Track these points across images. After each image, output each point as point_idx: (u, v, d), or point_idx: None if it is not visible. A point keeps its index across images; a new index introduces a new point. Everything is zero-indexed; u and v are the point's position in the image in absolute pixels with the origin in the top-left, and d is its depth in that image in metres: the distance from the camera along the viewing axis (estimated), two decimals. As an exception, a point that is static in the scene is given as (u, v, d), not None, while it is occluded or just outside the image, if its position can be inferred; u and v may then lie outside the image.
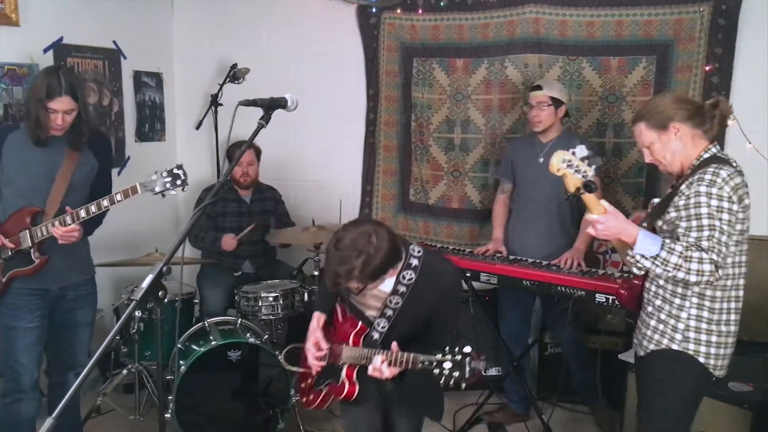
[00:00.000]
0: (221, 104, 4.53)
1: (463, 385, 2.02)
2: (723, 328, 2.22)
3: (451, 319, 2.46)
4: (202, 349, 3.23)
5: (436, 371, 2.02)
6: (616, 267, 3.92)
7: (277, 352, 3.35)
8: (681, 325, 2.22)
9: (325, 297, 2.57)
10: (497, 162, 4.25)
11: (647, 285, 2.34)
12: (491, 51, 4.17)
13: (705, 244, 2.06)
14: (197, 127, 4.69)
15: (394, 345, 2.18)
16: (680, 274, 2.06)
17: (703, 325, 2.20)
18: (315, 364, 2.44)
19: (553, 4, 3.98)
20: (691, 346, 2.21)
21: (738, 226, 2.14)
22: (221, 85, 4.47)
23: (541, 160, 3.56)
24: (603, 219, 2.11)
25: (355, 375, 2.35)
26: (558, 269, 3.27)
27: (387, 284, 2.31)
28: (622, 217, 2.14)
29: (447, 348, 2.03)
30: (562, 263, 3.31)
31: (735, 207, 2.10)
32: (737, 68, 3.71)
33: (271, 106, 2.09)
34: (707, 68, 3.71)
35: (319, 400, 2.51)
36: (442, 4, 4.21)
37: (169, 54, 4.84)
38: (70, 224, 2.66)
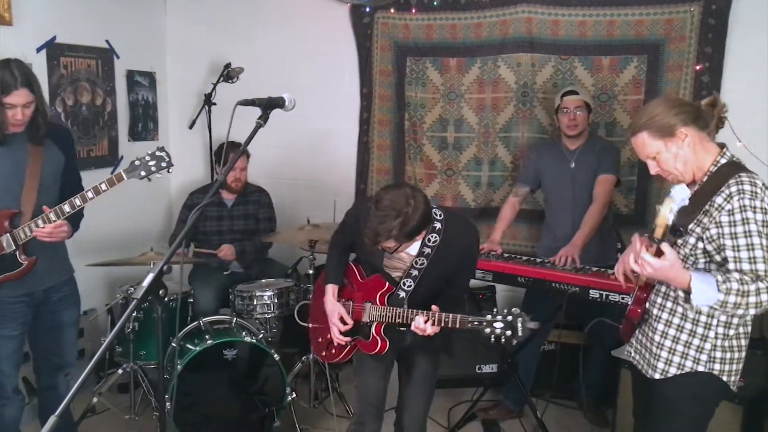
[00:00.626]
0: (215, 103, 4.53)
1: (514, 342, 2.16)
2: (743, 342, 2.13)
3: (470, 275, 2.60)
4: (198, 348, 3.23)
5: (487, 330, 2.14)
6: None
7: (272, 351, 3.36)
8: (708, 345, 2.09)
9: (335, 268, 2.64)
10: (491, 161, 4.28)
11: (657, 299, 2.21)
12: (484, 50, 4.20)
13: (761, 267, 1.93)
14: (191, 127, 4.68)
15: (434, 307, 2.29)
16: (740, 311, 1.95)
17: (727, 343, 2.10)
18: (340, 338, 2.55)
19: (546, 3, 4.01)
20: (717, 366, 2.10)
21: None
22: (215, 85, 4.47)
23: (573, 165, 3.59)
24: (658, 266, 1.95)
25: (383, 331, 2.48)
26: (552, 266, 3.30)
27: (414, 247, 2.42)
28: (678, 264, 1.98)
29: (494, 310, 2.19)
30: (558, 260, 3.34)
31: None
32: (727, 67, 3.76)
33: (269, 105, 2.09)
34: (698, 67, 3.75)
35: (342, 354, 2.62)
36: (435, 3, 4.23)
37: (162, 53, 4.83)
38: (54, 221, 2.60)
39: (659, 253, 1.97)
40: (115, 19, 4.31)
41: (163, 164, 2.67)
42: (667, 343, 2.14)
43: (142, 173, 2.66)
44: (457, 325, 2.23)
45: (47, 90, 3.79)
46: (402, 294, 2.45)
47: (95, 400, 3.50)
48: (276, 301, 3.70)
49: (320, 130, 4.56)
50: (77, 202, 2.64)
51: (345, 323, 2.54)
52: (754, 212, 1.93)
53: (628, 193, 4.09)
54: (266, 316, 3.69)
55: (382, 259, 2.50)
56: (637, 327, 2.29)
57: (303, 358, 3.82)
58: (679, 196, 1.94)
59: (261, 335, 3.53)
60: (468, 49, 4.24)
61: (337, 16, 4.43)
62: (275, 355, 3.35)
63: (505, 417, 3.78)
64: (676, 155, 2.07)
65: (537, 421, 3.46)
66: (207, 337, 3.33)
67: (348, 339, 2.56)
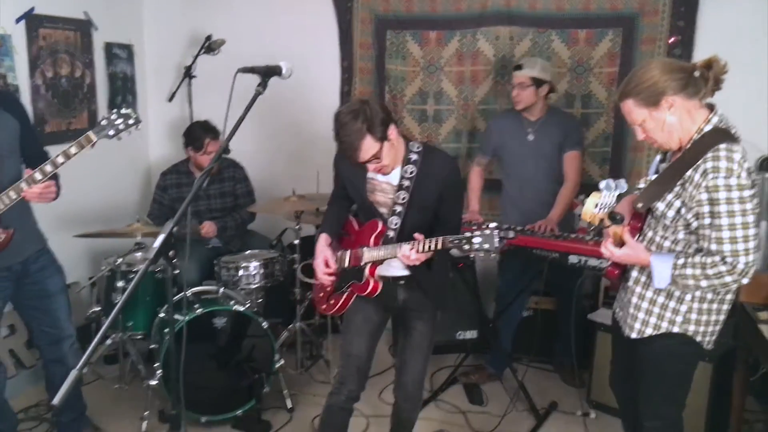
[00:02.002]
0: (195, 76, 4.52)
1: (493, 256, 2.21)
2: (725, 307, 2.18)
3: (457, 204, 2.58)
4: (188, 317, 3.28)
5: (466, 247, 2.20)
6: (583, 232, 4.09)
7: (261, 319, 3.43)
8: (683, 308, 2.16)
9: (330, 221, 2.73)
10: (470, 133, 4.36)
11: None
12: (463, 23, 4.26)
13: (726, 248, 1.96)
14: (170, 99, 4.67)
15: (418, 234, 2.35)
16: (698, 293, 2.12)
17: (705, 306, 2.15)
18: (325, 279, 2.62)
19: (524, -23, 4.08)
20: (691, 327, 2.17)
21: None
22: (195, 57, 4.45)
23: (531, 138, 3.66)
24: (619, 254, 2.13)
25: (377, 272, 2.54)
26: (532, 233, 3.41)
27: (394, 176, 2.49)
28: (640, 247, 2.13)
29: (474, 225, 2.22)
30: (537, 227, 3.45)
31: (752, 191, 1.96)
32: (698, 41, 3.88)
33: (267, 73, 2.14)
34: (671, 40, 3.86)
35: (340, 303, 2.65)
36: (415, -24, 4.27)
37: (140, 25, 4.79)
38: (38, 182, 2.55)
39: (623, 242, 2.13)
40: (93, -11, 4.27)
41: (131, 122, 2.67)
42: (644, 304, 2.22)
43: (111, 132, 2.64)
44: (440, 246, 2.28)
45: (27, 61, 3.76)
46: (391, 234, 2.51)
47: (84, 370, 3.52)
48: (262, 271, 3.76)
49: (301, 103, 4.58)
50: (47, 168, 2.58)
51: (328, 267, 2.61)
52: (728, 191, 1.94)
53: (602, 164, 4.21)
54: (251, 286, 3.75)
55: (365, 191, 2.57)
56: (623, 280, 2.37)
57: (290, 326, 3.90)
58: (607, 191, 2.04)
59: (247, 305, 3.58)
60: (447, 22, 4.30)
61: (319, -11, 4.45)
62: (264, 323, 3.41)
63: (485, 381, 3.92)
64: (662, 124, 2.07)
65: (518, 384, 3.59)
66: (196, 306, 3.38)
67: (331, 279, 2.63)
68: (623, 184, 2.06)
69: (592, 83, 4.13)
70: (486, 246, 2.19)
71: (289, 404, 3.55)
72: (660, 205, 2.11)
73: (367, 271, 2.54)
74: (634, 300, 2.25)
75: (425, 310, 2.65)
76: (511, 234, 2.18)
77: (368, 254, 2.53)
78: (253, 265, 3.74)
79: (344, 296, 2.64)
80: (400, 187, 2.48)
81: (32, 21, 3.78)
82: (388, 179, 2.52)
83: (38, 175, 2.57)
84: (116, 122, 2.63)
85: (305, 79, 4.52)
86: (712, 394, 3.12)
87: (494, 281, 4.17)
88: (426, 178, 2.46)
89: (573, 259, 3.15)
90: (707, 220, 1.99)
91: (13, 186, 2.58)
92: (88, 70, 4.27)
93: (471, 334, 4.18)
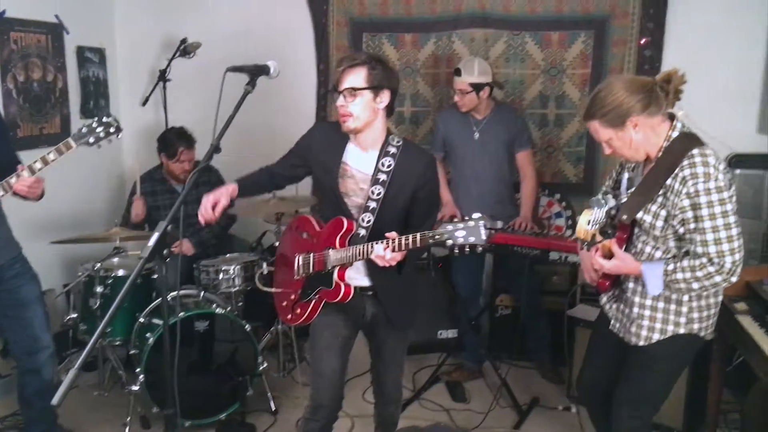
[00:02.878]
0: (169, 79, 4.48)
1: (479, 249, 2.00)
2: (720, 298, 2.26)
3: (433, 207, 2.45)
4: (172, 320, 3.24)
5: (449, 242, 2.00)
6: (559, 230, 4.17)
7: (244, 322, 3.41)
8: (684, 309, 2.21)
9: (250, 177, 2.61)
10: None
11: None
12: (439, 26, 4.31)
13: (712, 250, 2.03)
14: (143, 104, 4.63)
15: (392, 234, 2.17)
16: (693, 294, 2.17)
17: (702, 302, 2.22)
18: (206, 215, 2.43)
19: (498, -20, 4.14)
20: (695, 326, 2.22)
21: None
22: (170, 60, 4.42)
23: (477, 136, 3.70)
24: (609, 266, 2.20)
25: (346, 276, 2.36)
26: (513, 231, 3.47)
27: (367, 163, 2.37)
28: (629, 258, 2.19)
29: (455, 220, 2.03)
30: (516, 226, 3.51)
31: (731, 191, 2.05)
32: (668, 42, 3.98)
33: (256, 72, 2.15)
34: (642, 41, 3.96)
35: (307, 312, 2.44)
36: (390, -21, 4.30)
37: (111, 28, 4.74)
38: (28, 177, 2.51)
39: (611, 254, 2.19)
40: (64, -8, 4.22)
41: (112, 130, 2.64)
42: (647, 312, 2.26)
43: (91, 140, 2.61)
44: (419, 244, 2.08)
45: (-2, 66, 3.71)
46: (362, 232, 2.33)
47: (62, 377, 3.46)
48: (242, 274, 3.74)
49: (277, 107, 4.56)
50: (24, 174, 2.54)
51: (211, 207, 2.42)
52: (708, 194, 2.00)
53: (577, 163, 4.29)
54: (231, 290, 3.72)
55: (336, 178, 2.39)
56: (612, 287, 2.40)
57: (272, 329, 3.88)
58: (598, 207, 2.14)
59: (228, 308, 3.56)
60: (423, 25, 4.34)
61: (294, -8, 4.45)
62: (247, 326, 3.40)
63: (467, 378, 3.95)
64: (629, 142, 2.13)
65: (500, 380, 3.63)
66: (177, 310, 3.35)
67: (212, 214, 2.42)
68: (611, 200, 2.16)
69: (565, 84, 4.21)
70: (472, 239, 1.98)
71: (272, 407, 3.53)
72: (647, 218, 2.16)
73: (335, 275, 2.34)
74: (636, 310, 2.29)
75: (393, 327, 2.51)
76: (499, 224, 2.02)
77: (335, 256, 2.32)
78: (233, 268, 3.72)
79: (312, 304, 2.43)
80: (375, 181, 2.33)
81: (3, 24, 3.72)
82: (359, 166, 2.37)
83: (26, 173, 2.54)
84: (97, 129, 2.60)
85: (281, 83, 4.48)
86: (690, 386, 3.19)
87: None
88: (403, 174, 2.32)
89: (554, 255, 3.21)
90: (692, 225, 2.07)
91: (6, 180, 2.52)
92: (60, 74, 4.21)
93: (452, 333, 4.21)
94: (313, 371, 2.55)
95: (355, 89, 2.27)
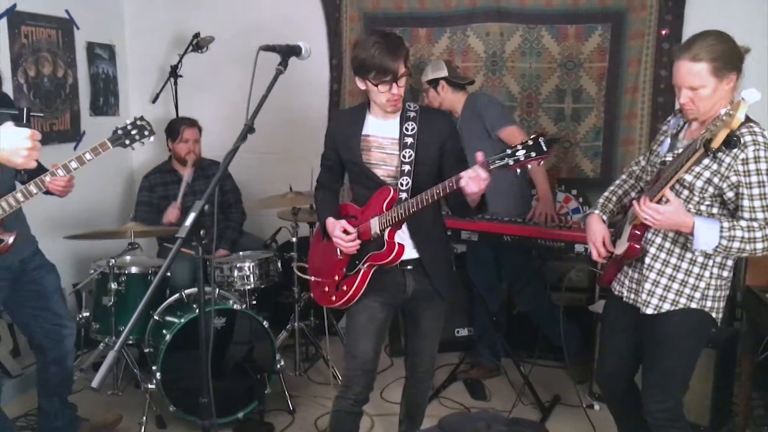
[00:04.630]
0: (181, 76, 4.42)
1: (542, 163, 2.12)
2: (731, 281, 2.26)
3: (460, 155, 2.48)
4: (189, 316, 3.19)
5: (511, 162, 2.05)
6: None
7: (261, 318, 3.34)
8: (702, 284, 2.20)
9: (327, 207, 2.60)
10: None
11: (656, 239, 2.27)
12: (453, 20, 4.26)
13: (761, 217, 2.04)
14: (154, 101, 4.57)
15: (480, 154, 2.17)
16: (745, 254, 2.09)
17: (721, 282, 2.22)
18: (350, 246, 2.43)
19: (512, -27, 4.09)
20: (708, 303, 2.22)
21: None
22: (182, 55, 4.36)
23: (462, 133, 3.62)
24: (663, 209, 2.07)
25: (396, 236, 2.40)
26: (535, 224, 3.40)
27: (393, 127, 2.44)
28: (682, 209, 2.09)
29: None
30: (537, 217, 3.44)
31: None
32: (686, 35, 3.92)
33: (288, 52, 2.12)
34: (663, 32, 3.91)
35: (355, 285, 2.45)
36: (404, -27, 4.26)
37: (121, 25, 4.68)
38: (62, 176, 2.54)
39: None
40: (74, -12, 4.16)
41: (146, 132, 2.70)
42: (663, 280, 2.23)
43: (127, 141, 2.67)
44: (479, 165, 2.13)
45: (9, 59, 3.64)
46: (403, 195, 2.37)
47: (75, 377, 3.39)
48: (257, 272, 3.68)
49: (289, 102, 4.50)
50: (60, 173, 2.56)
51: (348, 233, 2.44)
52: (762, 162, 2.02)
53: (594, 158, 4.24)
54: (246, 287, 3.67)
55: (359, 151, 2.45)
56: (625, 265, 2.37)
57: (288, 327, 3.82)
58: (753, 98, 1.94)
59: (244, 306, 3.50)
60: (437, 20, 4.29)
61: (307, -12, 4.41)
62: (264, 322, 3.33)
63: (485, 376, 3.88)
64: (717, 98, 2.09)
65: (522, 378, 3.56)
66: (195, 306, 3.28)
67: (357, 243, 2.43)
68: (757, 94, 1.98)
69: (582, 78, 4.16)
70: (533, 154, 2.03)
71: (290, 406, 3.46)
72: (688, 176, 2.12)
73: (386, 236, 2.38)
74: (653, 276, 2.26)
75: (434, 300, 2.56)
76: (557, 136, 2.05)
77: (384, 220, 2.37)
78: (248, 266, 3.66)
79: (361, 274, 2.45)
80: (404, 146, 2.40)
81: (14, 18, 3.66)
82: (384, 133, 2.45)
83: (61, 172, 2.55)
84: (132, 132, 2.65)
85: (293, 78, 4.43)
86: (716, 380, 3.14)
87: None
88: (427, 133, 2.42)
89: (579, 248, 3.14)
90: (744, 190, 2.05)
91: (34, 180, 2.51)
92: (71, 69, 4.16)
93: (468, 331, 4.15)
94: (346, 352, 2.59)
95: (409, 75, 2.39)
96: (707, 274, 2.20)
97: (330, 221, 2.50)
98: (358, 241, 2.43)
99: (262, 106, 2.06)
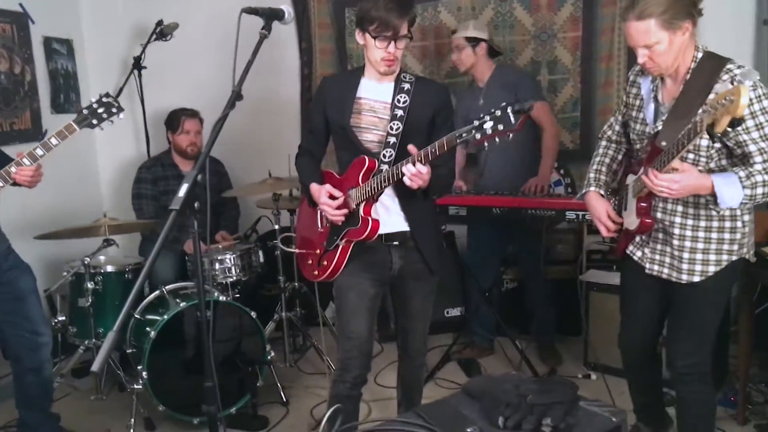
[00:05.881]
0: (145, 67, 4.26)
1: (510, 136, 1.97)
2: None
3: (451, 128, 2.34)
4: (173, 311, 3.05)
5: (478, 135, 1.98)
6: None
7: (249, 310, 3.23)
8: (738, 235, 2.16)
9: (309, 172, 2.48)
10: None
11: (677, 207, 2.20)
12: (424, -4, 4.18)
13: None
14: (117, 95, 4.36)
15: (411, 147, 2.15)
16: None
17: (751, 225, 2.19)
18: (337, 214, 2.32)
19: (481, -55, 4.03)
20: (745, 249, 2.20)
21: None
22: (145, 45, 4.19)
23: (481, 102, 3.58)
24: (678, 178, 1.99)
25: (373, 211, 2.33)
26: (524, 194, 3.35)
27: (386, 91, 2.36)
28: (696, 172, 2.03)
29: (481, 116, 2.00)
30: (528, 189, 3.38)
31: None
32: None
33: (270, 16, 2.03)
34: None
35: (335, 261, 2.38)
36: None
37: (77, 18, 4.49)
38: (28, 165, 2.41)
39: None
40: (26, -20, 3.97)
41: (113, 110, 2.58)
42: (700, 245, 2.17)
43: (94, 122, 2.55)
44: (446, 148, 2.07)
45: (-39, 55, 3.45)
46: (384, 168, 2.28)
47: (55, 384, 3.23)
48: (239, 263, 3.56)
49: (260, 90, 4.37)
50: (25, 162, 2.45)
51: (335, 198, 2.33)
52: (761, 101, 1.97)
53: (573, 129, 4.20)
54: (228, 280, 3.54)
55: (350, 113, 2.36)
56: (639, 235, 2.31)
57: (275, 317, 3.71)
58: (753, 79, 1.92)
59: (228, 299, 3.38)
60: (407, -3, 4.20)
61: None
62: (252, 313, 3.21)
63: (479, 355, 3.83)
64: (676, 49, 2.02)
65: (519, 353, 3.51)
66: (177, 301, 3.15)
67: (344, 211, 2.32)
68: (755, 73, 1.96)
69: (557, 49, 4.11)
70: (501, 127, 1.94)
71: (284, 398, 3.35)
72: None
73: (361, 211, 2.31)
74: (689, 244, 2.19)
75: (423, 278, 2.48)
76: (527, 105, 1.92)
77: (359, 193, 2.30)
78: (229, 258, 3.54)
79: (339, 250, 2.37)
80: (393, 117, 2.33)
81: (-36, 11, 3.47)
82: (377, 96, 2.37)
83: (27, 161, 2.43)
84: (98, 111, 2.52)
85: (262, 64, 4.30)
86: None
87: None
88: (418, 106, 2.34)
89: (570, 215, 3.10)
90: (753, 134, 2.00)
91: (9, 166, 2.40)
92: (28, 66, 3.97)
93: (458, 311, 4.08)
94: (339, 334, 2.49)
95: (410, 37, 2.29)
96: (739, 224, 2.16)
97: (314, 187, 2.40)
98: (345, 209, 2.33)
99: (248, 73, 1.91)
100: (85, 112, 2.50)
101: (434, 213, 2.60)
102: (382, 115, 2.36)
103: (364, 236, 2.31)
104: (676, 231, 2.21)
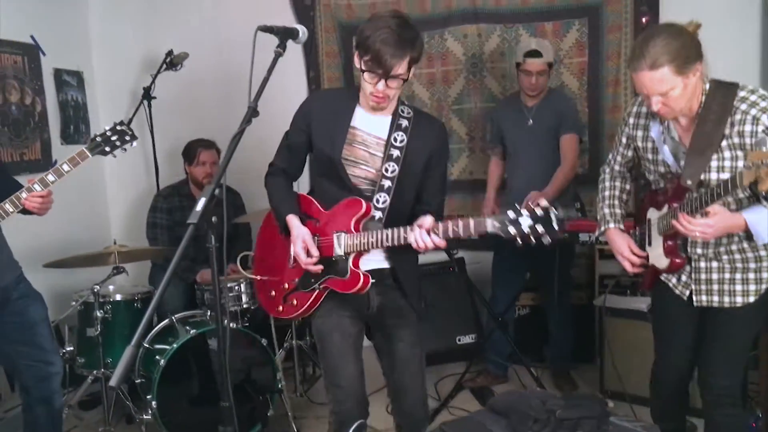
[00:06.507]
0: (154, 97, 4.28)
1: (547, 241, 1.79)
2: None
3: (443, 180, 2.25)
4: (182, 339, 3.01)
5: (512, 230, 1.80)
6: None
7: (260, 337, 3.18)
8: None
9: (287, 198, 2.27)
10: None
11: (719, 239, 2.15)
12: (430, 24, 4.21)
13: None
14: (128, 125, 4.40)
15: (428, 218, 1.96)
16: None
17: None
18: (313, 269, 2.13)
19: (487, -26, 4.08)
20: None
21: None
22: (155, 75, 4.22)
23: (530, 122, 3.60)
24: (712, 222, 1.97)
25: (361, 264, 2.12)
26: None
27: (382, 126, 2.17)
28: (728, 213, 2.00)
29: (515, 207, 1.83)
30: (530, 202, 3.36)
31: None
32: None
33: (285, 34, 2.02)
34: (644, 19, 3.90)
35: (308, 303, 2.17)
36: (378, -20, 4.21)
37: (88, 50, 4.54)
38: (39, 191, 2.39)
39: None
40: (38, 13, 4.03)
41: (127, 138, 2.57)
42: (752, 265, 2.15)
43: (107, 149, 2.54)
44: (472, 231, 1.87)
45: (-27, 86, 3.48)
46: (378, 214, 2.10)
47: (64, 415, 3.18)
48: (249, 291, 3.52)
49: (267, 119, 4.38)
50: (36, 188, 2.44)
51: (311, 255, 2.11)
52: None
53: (582, 154, 4.18)
54: (237, 308, 3.50)
55: (342, 144, 2.14)
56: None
57: (285, 345, 3.66)
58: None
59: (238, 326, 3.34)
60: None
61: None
62: (263, 340, 3.17)
63: (492, 383, 3.76)
64: (690, 92, 2.00)
65: (535, 381, 3.45)
66: (187, 328, 3.11)
67: (320, 267, 2.12)
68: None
69: (563, 74, 4.13)
70: (541, 230, 1.76)
71: (294, 428, 3.28)
72: (713, 175, 2.04)
73: (350, 263, 2.10)
74: (739, 265, 2.16)
75: (405, 315, 2.25)
76: (574, 213, 1.88)
77: (350, 242, 2.08)
78: (238, 286, 3.50)
79: (314, 295, 2.17)
80: (389, 158, 2.12)
81: (-23, 43, 3.51)
82: (371, 129, 2.16)
83: (38, 187, 2.42)
84: (111, 138, 2.52)
85: (271, 92, 4.33)
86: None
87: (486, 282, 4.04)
88: (416, 146, 2.15)
89: (583, 237, 3.07)
90: None
91: (8, 198, 2.37)
92: (39, 97, 3.99)
93: (470, 338, 4.03)
94: (328, 383, 2.25)
95: (404, 80, 2.07)
96: None
97: (295, 225, 2.18)
98: (320, 267, 2.13)
99: (263, 89, 1.91)
100: (98, 139, 2.50)
101: (414, 251, 2.17)
102: (374, 151, 2.17)
103: (351, 291, 2.11)
104: (714, 264, 2.19)
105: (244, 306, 3.49)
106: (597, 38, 4.07)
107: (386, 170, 2.13)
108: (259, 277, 2.36)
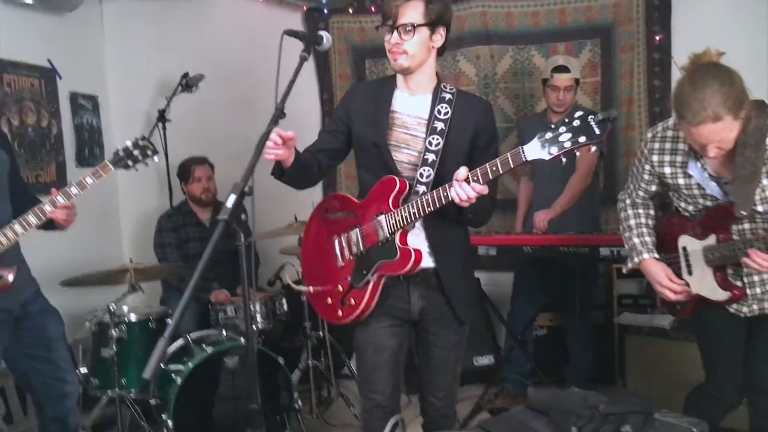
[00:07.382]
0: (169, 120, 4.30)
1: (593, 149, 1.76)
2: None
3: (495, 152, 2.14)
4: (200, 357, 2.98)
5: (554, 150, 1.76)
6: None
7: (277, 356, 3.14)
8: None
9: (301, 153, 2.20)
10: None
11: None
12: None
13: None
14: (142, 148, 4.43)
15: (463, 169, 1.88)
16: None
17: None
18: (276, 141, 2.06)
19: (498, -3, 4.10)
20: None
21: None
22: (171, 97, 4.24)
23: None
24: None
25: (409, 241, 2.05)
26: (555, 232, 3.30)
27: (422, 105, 2.13)
28: None
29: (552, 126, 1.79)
30: (536, 224, 3.36)
31: None
32: (675, 43, 3.96)
33: (311, 40, 2.02)
34: (657, 38, 3.92)
35: (365, 298, 2.08)
36: (391, 3, 4.25)
37: (103, 75, 4.58)
38: (64, 202, 2.38)
39: None
40: (55, 38, 4.08)
41: (149, 152, 2.59)
42: None
43: (129, 163, 2.55)
44: (511, 164, 1.82)
45: (-8, 108, 3.51)
46: (421, 189, 2.03)
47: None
48: (263, 311, 3.50)
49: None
50: (59, 199, 2.42)
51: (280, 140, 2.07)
52: None
53: (594, 177, 4.15)
54: (253, 327, 3.46)
55: (385, 129, 2.11)
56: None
57: (300, 365, 3.61)
58: None
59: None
60: (426, 47, 4.27)
61: (289, 23, 4.36)
62: (280, 359, 3.13)
63: (511, 404, 3.68)
64: (737, 129, 1.96)
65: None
66: (203, 346, 3.08)
67: (279, 152, 2.05)
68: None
69: (577, 94, 4.13)
70: (582, 139, 1.71)
71: (311, 449, 3.23)
72: (761, 207, 2.04)
73: (398, 241, 2.02)
74: None
75: (447, 325, 2.19)
76: (613, 114, 1.72)
77: (392, 220, 2.01)
78: (253, 306, 3.47)
79: (370, 287, 2.08)
80: (432, 131, 2.07)
81: (-4, 65, 3.55)
82: (411, 111, 2.13)
83: (61, 198, 2.41)
84: (134, 152, 2.54)
85: (284, 117, 4.39)
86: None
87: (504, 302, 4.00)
88: (461, 120, 2.09)
89: (605, 251, 3.04)
90: None
91: (32, 209, 2.36)
92: (54, 120, 4.03)
93: (488, 359, 3.97)
94: (360, 387, 2.29)
95: (414, 25, 2.03)
96: None
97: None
98: (280, 151, 2.05)
99: (291, 89, 1.94)
100: (121, 153, 2.51)
101: (467, 250, 2.31)
102: (415, 132, 2.13)
103: (405, 270, 2.02)
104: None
105: (259, 326, 3.46)
106: (609, 58, 4.09)
107: (430, 144, 2.08)
108: (311, 289, 2.29)
